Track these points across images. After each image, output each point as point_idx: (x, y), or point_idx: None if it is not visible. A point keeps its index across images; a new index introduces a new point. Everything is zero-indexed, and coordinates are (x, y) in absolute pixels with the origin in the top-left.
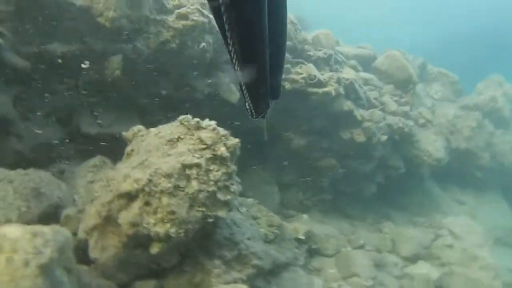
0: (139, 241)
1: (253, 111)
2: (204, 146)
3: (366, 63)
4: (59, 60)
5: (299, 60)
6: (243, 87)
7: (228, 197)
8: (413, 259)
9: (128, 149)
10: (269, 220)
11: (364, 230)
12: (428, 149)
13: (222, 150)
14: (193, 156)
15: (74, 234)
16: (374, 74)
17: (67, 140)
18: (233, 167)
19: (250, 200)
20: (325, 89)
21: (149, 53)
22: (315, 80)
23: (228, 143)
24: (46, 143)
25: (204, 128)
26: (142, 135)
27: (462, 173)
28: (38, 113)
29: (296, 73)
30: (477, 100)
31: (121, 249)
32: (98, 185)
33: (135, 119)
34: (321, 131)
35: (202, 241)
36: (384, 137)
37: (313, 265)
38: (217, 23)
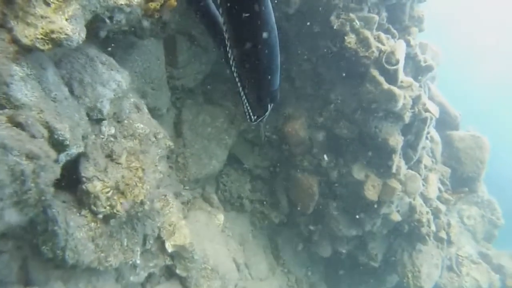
0: None
1: (251, 115)
2: None
3: (443, 123)
4: None
5: (393, 31)
6: (242, 94)
7: None
8: None
9: None
10: (137, 179)
11: None
12: (422, 270)
13: None
14: None
15: None
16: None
17: None
18: None
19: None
20: (394, 90)
21: None
22: (394, 67)
23: None
24: None
25: None
26: None
27: None
28: None
29: (377, 37)
30: (506, 264)
31: None
32: None
33: None
34: (336, 142)
35: None
36: (397, 218)
37: None
38: (212, 37)
